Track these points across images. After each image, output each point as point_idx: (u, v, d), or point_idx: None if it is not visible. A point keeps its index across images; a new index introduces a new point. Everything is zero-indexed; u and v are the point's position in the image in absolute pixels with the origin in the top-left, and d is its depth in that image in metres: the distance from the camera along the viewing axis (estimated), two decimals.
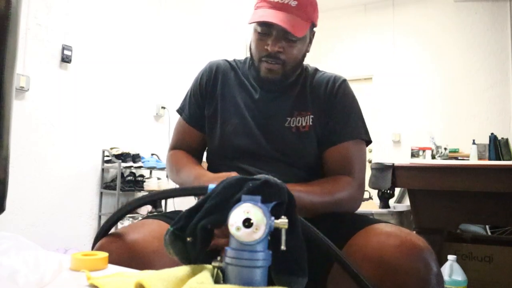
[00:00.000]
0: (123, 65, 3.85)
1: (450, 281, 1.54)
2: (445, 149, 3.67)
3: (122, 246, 0.80)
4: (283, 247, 0.50)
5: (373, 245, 0.78)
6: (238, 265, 0.49)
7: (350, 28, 5.93)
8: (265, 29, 1.03)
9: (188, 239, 0.53)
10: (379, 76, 5.67)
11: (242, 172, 1.03)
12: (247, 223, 0.48)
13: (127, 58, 3.89)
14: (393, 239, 0.78)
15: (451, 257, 1.59)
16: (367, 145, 1.12)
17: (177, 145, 1.20)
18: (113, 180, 3.66)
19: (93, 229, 3.58)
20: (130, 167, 3.61)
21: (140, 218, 0.94)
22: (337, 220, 0.93)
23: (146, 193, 3.90)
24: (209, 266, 0.53)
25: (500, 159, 4.41)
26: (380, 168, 1.99)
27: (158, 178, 3.88)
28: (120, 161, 3.52)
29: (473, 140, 3.67)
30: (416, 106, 5.35)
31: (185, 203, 0.90)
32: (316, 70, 1.17)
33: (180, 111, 1.20)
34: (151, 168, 3.79)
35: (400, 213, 2.64)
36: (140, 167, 3.68)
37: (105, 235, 0.80)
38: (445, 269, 1.57)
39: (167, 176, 3.93)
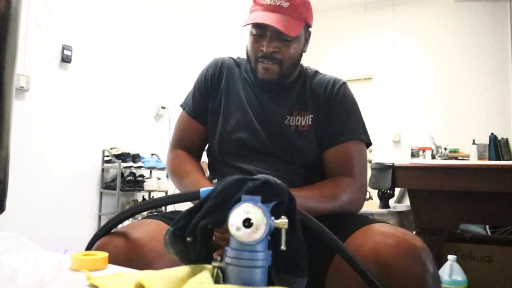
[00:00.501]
0: (123, 65, 3.85)
1: (450, 281, 1.54)
2: (445, 149, 3.67)
3: (122, 246, 0.80)
4: (283, 247, 0.50)
5: (370, 245, 0.78)
6: (238, 265, 0.49)
7: (350, 28, 5.93)
8: (260, 31, 1.06)
9: (188, 239, 0.53)
10: (379, 76, 5.67)
11: (242, 172, 1.04)
12: (247, 223, 0.48)
13: (127, 58, 3.89)
14: (390, 239, 0.78)
15: (451, 257, 1.59)
16: (367, 147, 1.12)
17: (178, 142, 1.20)
18: (113, 180, 3.66)
19: (93, 229, 3.58)
20: (130, 167, 3.61)
21: (139, 218, 0.94)
22: (335, 220, 0.93)
23: (146, 193, 3.91)
24: (209, 266, 0.53)
25: (500, 159, 4.41)
26: (380, 168, 2.00)
27: (158, 178, 3.88)
28: (120, 161, 3.52)
29: (473, 140, 3.67)
30: (416, 106, 5.35)
31: (184, 203, 0.90)
32: (316, 72, 1.19)
33: (183, 105, 1.21)
34: (151, 168, 3.79)
35: (400, 213, 2.64)
36: (140, 167, 3.68)
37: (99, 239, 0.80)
38: (445, 269, 1.57)
39: (167, 176, 3.93)
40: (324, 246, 0.86)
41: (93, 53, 3.60)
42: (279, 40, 1.04)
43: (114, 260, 0.69)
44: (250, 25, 1.07)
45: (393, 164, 1.97)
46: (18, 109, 2.94)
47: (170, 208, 3.38)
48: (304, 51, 1.14)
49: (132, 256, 0.79)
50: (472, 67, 5.06)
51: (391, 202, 2.94)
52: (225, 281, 0.50)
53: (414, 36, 5.47)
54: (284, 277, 0.55)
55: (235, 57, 1.24)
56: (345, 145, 1.07)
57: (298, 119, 1.09)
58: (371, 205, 2.92)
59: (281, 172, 1.02)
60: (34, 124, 3.15)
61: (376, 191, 2.72)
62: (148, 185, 3.78)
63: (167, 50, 4.27)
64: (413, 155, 4.70)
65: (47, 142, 3.24)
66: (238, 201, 0.51)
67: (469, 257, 1.94)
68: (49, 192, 3.25)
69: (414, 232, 1.94)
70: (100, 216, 3.63)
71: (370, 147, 1.20)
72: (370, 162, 3.79)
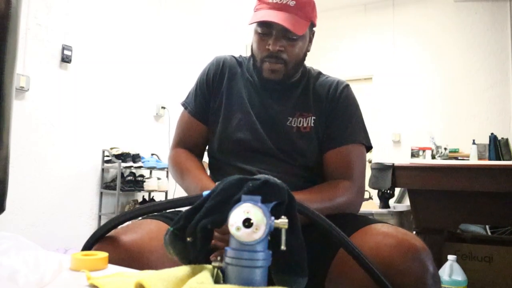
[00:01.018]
0: (123, 65, 3.85)
1: (450, 281, 1.54)
2: (445, 149, 3.67)
3: (121, 246, 0.80)
4: (283, 247, 0.50)
5: (370, 245, 0.79)
6: (238, 265, 0.49)
7: (350, 28, 5.93)
8: (266, 29, 1.04)
9: (188, 239, 0.53)
10: (379, 76, 5.67)
11: (242, 172, 1.04)
12: (247, 223, 0.48)
13: (127, 58, 3.89)
14: (390, 239, 0.78)
15: (451, 257, 1.59)
16: (367, 151, 1.12)
17: (180, 142, 1.19)
18: (113, 180, 3.66)
19: (93, 229, 3.58)
20: (130, 167, 3.61)
21: (139, 218, 0.94)
22: (335, 220, 0.93)
23: (146, 193, 3.91)
24: (209, 266, 0.53)
25: (500, 159, 4.41)
26: (380, 168, 2.00)
27: (158, 178, 3.88)
28: (120, 161, 3.52)
29: (473, 140, 3.67)
30: (416, 106, 5.35)
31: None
32: (319, 73, 1.18)
33: (185, 104, 1.20)
34: (151, 168, 3.79)
35: (400, 213, 2.64)
36: (140, 167, 3.68)
37: (94, 244, 0.77)
38: (445, 269, 1.57)
39: (167, 176, 3.93)
40: (325, 246, 0.87)
41: (93, 53, 3.60)
42: (285, 39, 1.04)
43: (115, 260, 0.69)
44: (254, 24, 1.06)
45: (393, 164, 1.97)
46: (18, 109, 2.94)
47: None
48: (308, 51, 1.14)
49: (133, 257, 0.79)
50: (472, 67, 5.06)
51: (391, 202, 2.94)
52: (225, 281, 0.50)
53: (414, 36, 5.47)
54: (284, 277, 0.55)
55: (237, 55, 1.23)
56: (345, 147, 1.07)
57: (300, 120, 1.09)
58: (371, 205, 2.92)
59: (282, 174, 1.02)
60: (34, 124, 3.15)
61: (376, 191, 2.72)
62: (148, 185, 3.78)
63: (167, 50, 4.27)
64: (413, 155, 4.70)
65: (47, 142, 3.24)
66: (238, 201, 0.51)
67: (469, 257, 1.94)
68: (49, 192, 3.25)
69: (414, 232, 1.94)
70: (100, 216, 3.63)
71: None
72: (370, 162, 3.79)
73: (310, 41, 1.13)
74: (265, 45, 1.05)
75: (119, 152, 3.58)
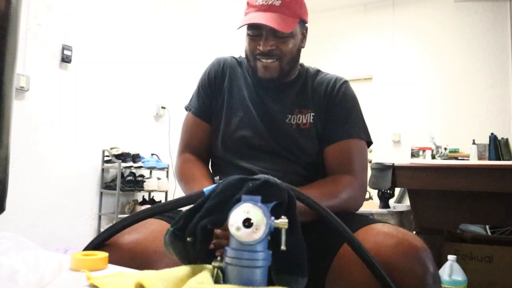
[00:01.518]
0: (123, 65, 3.85)
1: (450, 281, 1.54)
2: (445, 149, 3.68)
3: (122, 246, 0.80)
4: (283, 247, 0.50)
5: (370, 245, 0.78)
6: (238, 265, 0.49)
7: (350, 28, 5.92)
8: (255, 31, 1.07)
9: (188, 239, 0.53)
10: (379, 76, 5.67)
11: (244, 170, 1.04)
12: (247, 223, 0.48)
13: (127, 58, 3.89)
14: (390, 239, 0.78)
15: (451, 257, 1.59)
16: (368, 146, 1.12)
17: (187, 145, 1.19)
18: (113, 180, 3.66)
19: (93, 229, 3.59)
20: (130, 167, 3.61)
21: None
22: None
23: (146, 193, 3.91)
24: (209, 266, 0.53)
25: (500, 159, 4.40)
26: (380, 168, 2.00)
27: (158, 178, 3.88)
28: (120, 161, 3.52)
29: (473, 140, 3.67)
30: (416, 106, 5.35)
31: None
32: (318, 71, 1.19)
33: (188, 107, 1.21)
34: (151, 168, 3.79)
35: (400, 213, 2.64)
36: (140, 167, 3.68)
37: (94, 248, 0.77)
38: (445, 269, 1.57)
39: (167, 176, 3.94)
40: (325, 246, 0.87)
41: (93, 53, 3.60)
42: (275, 38, 1.06)
43: (115, 260, 0.69)
44: (246, 27, 1.09)
45: (393, 164, 1.97)
46: (18, 109, 2.94)
47: None
48: (303, 47, 1.15)
49: (137, 257, 0.79)
50: (472, 67, 5.06)
51: (391, 202, 2.94)
52: (225, 281, 0.50)
53: (414, 36, 5.47)
54: (284, 277, 0.55)
55: (237, 56, 1.24)
56: (345, 142, 1.07)
57: (299, 117, 1.10)
58: (371, 205, 2.92)
59: (283, 171, 1.03)
60: (34, 124, 3.15)
61: (376, 191, 2.73)
62: (148, 185, 3.78)
63: (167, 50, 4.27)
64: (413, 155, 4.70)
65: (47, 142, 3.24)
66: (238, 201, 0.51)
67: (469, 257, 1.94)
68: (49, 192, 3.25)
69: (414, 232, 1.94)
70: (100, 216, 3.63)
71: (370, 147, 1.20)
72: (370, 162, 3.79)
73: (304, 37, 1.14)
74: (256, 46, 1.07)
75: (119, 152, 3.58)
